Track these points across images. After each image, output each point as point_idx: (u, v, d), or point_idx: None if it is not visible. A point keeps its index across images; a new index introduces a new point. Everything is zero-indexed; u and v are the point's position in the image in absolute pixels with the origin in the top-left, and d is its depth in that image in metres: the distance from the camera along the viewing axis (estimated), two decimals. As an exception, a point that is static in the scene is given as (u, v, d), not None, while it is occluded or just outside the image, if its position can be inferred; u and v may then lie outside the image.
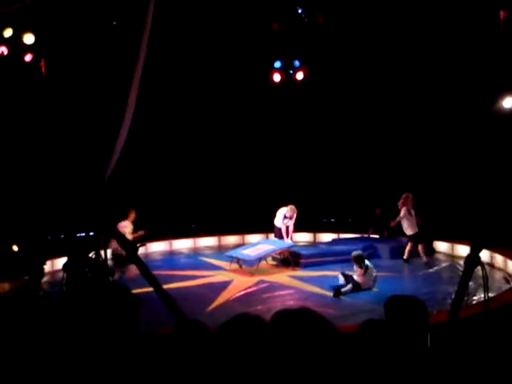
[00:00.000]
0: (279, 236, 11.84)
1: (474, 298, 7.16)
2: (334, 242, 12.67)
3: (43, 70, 10.96)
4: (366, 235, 12.70)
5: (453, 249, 11.47)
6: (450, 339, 3.06)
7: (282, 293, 8.59)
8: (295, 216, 11.73)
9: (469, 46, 10.92)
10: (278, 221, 11.86)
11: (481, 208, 10.04)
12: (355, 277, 8.51)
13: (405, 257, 10.77)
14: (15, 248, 9.54)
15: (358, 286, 8.38)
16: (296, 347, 1.74)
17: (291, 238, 12.02)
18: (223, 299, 8.23)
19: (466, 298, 4.56)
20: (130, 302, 2.05)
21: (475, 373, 2.77)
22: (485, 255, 9.50)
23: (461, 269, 9.41)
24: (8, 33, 10.05)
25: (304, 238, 13.34)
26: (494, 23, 10.01)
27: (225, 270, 10.58)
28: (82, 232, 8.26)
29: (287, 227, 11.91)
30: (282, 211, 11.77)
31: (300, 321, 1.80)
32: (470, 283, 4.83)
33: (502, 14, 9.90)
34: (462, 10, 10.55)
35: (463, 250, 10.52)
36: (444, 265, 10.80)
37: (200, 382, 1.91)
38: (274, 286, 9.02)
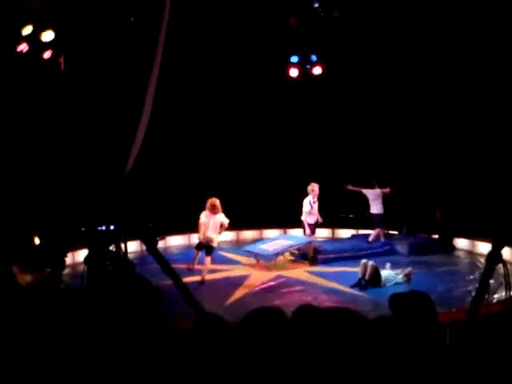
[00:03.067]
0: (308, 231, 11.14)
1: (495, 296, 7.07)
2: (353, 237, 12.61)
3: (62, 66, 11.08)
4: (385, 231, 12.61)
5: (473, 246, 11.32)
6: (470, 337, 3.03)
7: (299, 288, 8.60)
8: (317, 191, 10.99)
9: (485, 48, 10.77)
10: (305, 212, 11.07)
11: (502, 204, 9.89)
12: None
13: (370, 239, 11.45)
14: (37, 240, 9.69)
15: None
16: (315, 343, 1.74)
17: (318, 219, 11.19)
18: (241, 293, 8.27)
19: (486, 296, 4.49)
20: (152, 295, 2.07)
21: (494, 371, 2.75)
22: (507, 252, 9.38)
23: (481, 266, 9.31)
24: (27, 30, 10.17)
25: (323, 233, 13.29)
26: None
27: (242, 264, 10.62)
28: (103, 225, 8.35)
29: (310, 215, 11.05)
30: (306, 201, 11.10)
31: (320, 317, 1.81)
32: (491, 281, 4.77)
33: None
34: (474, 8, 10.39)
35: (484, 247, 10.38)
36: (464, 262, 10.69)
37: (219, 375, 1.93)
38: (291, 281, 9.03)
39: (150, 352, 1.95)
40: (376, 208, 11.31)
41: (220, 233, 9.65)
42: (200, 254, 9.60)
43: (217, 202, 9.55)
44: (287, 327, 1.88)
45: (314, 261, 10.47)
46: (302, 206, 11.26)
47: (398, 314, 2.32)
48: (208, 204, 9.53)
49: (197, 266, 9.59)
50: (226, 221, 9.59)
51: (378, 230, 11.40)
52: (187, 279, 8.33)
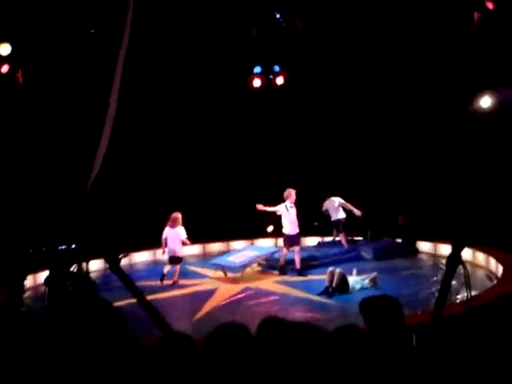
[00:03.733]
0: (290, 242, 10.37)
1: (458, 296, 7.24)
2: (320, 245, 12.70)
3: (20, 80, 10.83)
4: (350, 237, 12.76)
5: (436, 248, 11.59)
6: (435, 338, 3.09)
7: (267, 299, 8.58)
8: (294, 196, 10.40)
9: (444, 47, 11.11)
10: (286, 224, 10.43)
11: (461, 207, 10.19)
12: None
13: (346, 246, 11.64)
14: (-4, 262, 9.38)
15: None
16: (280, 355, 1.74)
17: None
18: (209, 308, 8.19)
19: (449, 298, 4.60)
20: (113, 318, 2.03)
21: (460, 371, 2.80)
22: (467, 254, 9.62)
23: (444, 268, 9.52)
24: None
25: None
26: (468, 24, 10.21)
27: (210, 277, 10.53)
28: (64, 244, 8.16)
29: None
30: (281, 206, 10.47)
31: (283, 330, 1.81)
32: (453, 282, 4.88)
33: (475, 15, 10.11)
34: (438, 12, 10.73)
35: (446, 250, 10.63)
36: (427, 264, 10.92)
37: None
38: (259, 293, 9.01)
39: (114, 371, 1.91)
40: (336, 215, 11.61)
41: (181, 245, 10.29)
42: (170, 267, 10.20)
43: (177, 215, 10.29)
44: (250, 342, 1.87)
45: (283, 271, 10.42)
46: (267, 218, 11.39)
47: (368, 318, 2.34)
48: (169, 218, 10.29)
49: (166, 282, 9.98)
50: (183, 235, 10.22)
51: (342, 235, 11.65)
52: (154, 296, 8.19)
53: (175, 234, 10.16)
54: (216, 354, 1.86)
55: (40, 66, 11.20)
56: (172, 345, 2.03)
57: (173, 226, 10.19)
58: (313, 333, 1.77)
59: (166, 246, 10.24)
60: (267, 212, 10.68)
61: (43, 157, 11.60)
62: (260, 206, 10.48)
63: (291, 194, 10.44)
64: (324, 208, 11.95)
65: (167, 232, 10.23)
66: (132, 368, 2.05)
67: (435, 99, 11.74)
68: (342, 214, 11.65)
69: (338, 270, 8.61)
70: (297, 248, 10.26)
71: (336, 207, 11.62)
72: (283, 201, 10.53)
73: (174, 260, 10.19)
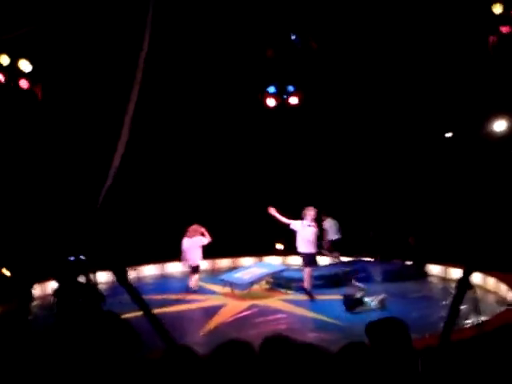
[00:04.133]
0: (308, 262, 9.95)
1: (467, 321, 7.14)
2: (329, 265, 12.63)
3: (39, 95, 11.03)
4: (360, 258, 12.69)
5: (446, 272, 11.47)
6: (442, 363, 3.05)
7: (274, 317, 8.54)
8: (313, 214, 10.02)
9: (459, 70, 11.13)
10: (300, 243, 10.02)
11: (472, 231, 10.10)
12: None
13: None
14: (6, 272, 9.47)
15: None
16: (283, 373, 1.74)
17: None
18: (215, 324, 8.17)
19: (458, 322, 4.55)
20: (123, 331, 2.04)
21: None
22: (477, 278, 9.51)
23: (453, 292, 9.41)
24: (5, 60, 10.14)
25: (297, 261, 13.29)
26: (483, 48, 10.24)
27: (217, 294, 10.51)
28: (73, 256, 8.21)
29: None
30: (297, 224, 10.04)
31: (286, 349, 1.81)
32: (463, 306, 4.83)
33: (490, 39, 10.13)
34: (454, 35, 10.77)
35: (456, 273, 10.52)
36: (437, 288, 10.80)
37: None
38: (266, 311, 8.97)
39: (118, 382, 1.92)
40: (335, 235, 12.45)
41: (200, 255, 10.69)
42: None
43: (195, 227, 10.74)
44: (254, 359, 1.87)
45: (310, 294, 9.79)
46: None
47: (375, 340, 2.33)
48: (188, 229, 10.74)
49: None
50: (205, 240, 10.68)
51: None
52: (161, 310, 8.18)
53: (194, 244, 10.56)
54: (219, 368, 1.86)
55: (59, 82, 11.42)
56: (175, 358, 2.03)
57: (191, 236, 10.58)
58: (316, 354, 1.77)
59: (185, 257, 10.64)
60: (277, 220, 10.21)
61: (57, 169, 11.76)
62: (272, 211, 10.06)
63: (309, 213, 9.97)
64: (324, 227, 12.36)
65: (185, 242, 10.60)
66: (137, 380, 2.06)
67: (449, 122, 11.74)
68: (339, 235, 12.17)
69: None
70: (308, 268, 9.84)
71: (335, 227, 12.11)
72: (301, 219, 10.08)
73: (195, 269, 10.63)
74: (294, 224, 10.01)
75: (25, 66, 10.28)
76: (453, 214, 11.58)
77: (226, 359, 1.91)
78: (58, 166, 11.77)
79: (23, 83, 10.39)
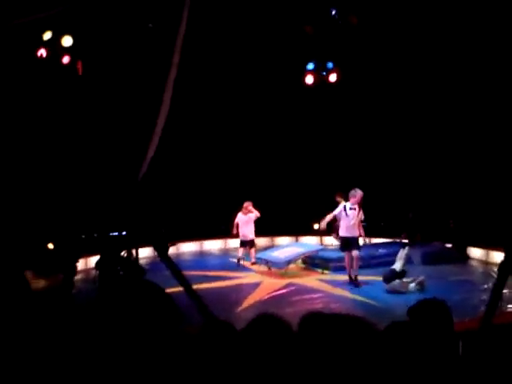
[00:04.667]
0: (353, 246, 9.36)
1: (509, 305, 6.98)
2: (366, 246, 12.52)
3: (80, 71, 11.22)
4: (398, 240, 12.50)
5: (487, 255, 11.19)
6: (483, 347, 2.99)
7: (310, 296, 8.57)
8: (358, 198, 9.41)
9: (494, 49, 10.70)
10: (343, 227, 9.48)
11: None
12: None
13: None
14: (51, 246, 9.79)
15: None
16: (323, 351, 1.73)
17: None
18: (252, 301, 8.26)
19: (499, 306, 4.44)
20: (164, 302, 2.08)
21: (508, 382, 2.70)
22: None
23: (495, 276, 9.19)
24: (47, 35, 10.33)
25: (335, 241, 13.24)
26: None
27: (254, 271, 10.61)
28: (115, 231, 8.43)
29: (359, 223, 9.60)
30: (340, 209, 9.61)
31: (329, 325, 1.80)
32: (505, 291, 4.71)
33: None
34: (492, 16, 10.33)
35: (498, 257, 10.25)
36: (478, 271, 10.57)
37: (226, 381, 1.93)
38: (302, 289, 9.00)
39: (157, 355, 1.96)
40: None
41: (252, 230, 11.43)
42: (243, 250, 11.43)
43: (246, 203, 11.52)
44: (290, 335, 1.88)
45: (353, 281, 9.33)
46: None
47: (417, 321, 2.30)
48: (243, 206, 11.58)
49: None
50: (254, 214, 11.44)
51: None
52: (198, 286, 8.32)
53: (247, 220, 11.39)
54: (254, 343, 1.88)
55: (99, 58, 11.57)
56: (214, 332, 2.06)
57: (245, 213, 11.43)
58: (359, 325, 1.75)
59: (237, 229, 11.52)
60: (330, 222, 9.89)
61: (99, 145, 11.99)
62: (322, 225, 9.78)
63: (355, 194, 9.38)
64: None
65: (239, 218, 11.50)
66: (177, 353, 2.10)
67: (489, 100, 11.32)
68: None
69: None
70: (355, 252, 9.28)
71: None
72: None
73: (246, 243, 11.36)
74: (336, 211, 9.59)
75: (67, 41, 10.47)
76: (495, 196, 11.24)
77: (261, 332, 1.92)
78: (99, 140, 12.00)
79: (66, 59, 10.60)
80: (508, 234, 8.21)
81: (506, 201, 10.66)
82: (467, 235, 11.54)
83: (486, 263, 10.97)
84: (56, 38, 10.43)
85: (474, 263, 11.27)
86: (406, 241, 12.16)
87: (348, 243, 9.39)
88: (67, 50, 10.65)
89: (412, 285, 8.56)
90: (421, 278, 8.66)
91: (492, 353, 3.03)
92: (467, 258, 11.48)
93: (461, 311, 6.83)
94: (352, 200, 9.40)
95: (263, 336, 1.93)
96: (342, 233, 9.52)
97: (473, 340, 3.03)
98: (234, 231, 11.64)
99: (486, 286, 8.60)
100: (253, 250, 11.35)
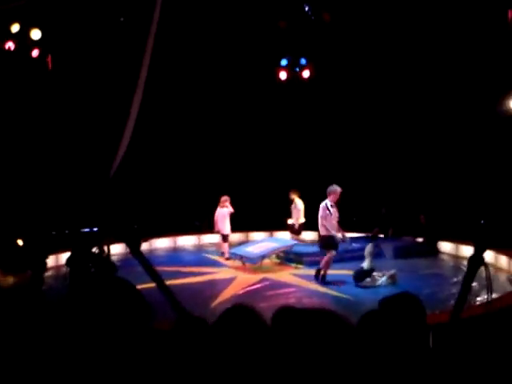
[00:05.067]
0: (330, 245, 9.10)
1: (478, 298, 7.13)
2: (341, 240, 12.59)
3: (50, 65, 10.99)
4: (365, 235, 12.64)
5: (457, 249, 11.42)
6: (452, 339, 3.05)
7: (284, 291, 8.60)
8: (338, 195, 9.14)
9: (476, 46, 10.87)
10: (328, 225, 9.05)
11: (485, 208, 10.00)
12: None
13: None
14: (20, 242, 9.57)
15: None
16: (296, 345, 1.74)
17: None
18: (226, 296, 8.25)
19: (469, 299, 4.54)
20: (135, 299, 2.05)
21: (476, 373, 2.76)
22: (489, 256, 9.46)
23: (465, 269, 9.37)
24: (15, 28, 10.08)
25: (308, 236, 13.33)
26: (502, 23, 9.97)
27: (228, 267, 10.59)
28: (87, 227, 8.30)
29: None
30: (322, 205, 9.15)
31: (301, 319, 1.80)
32: (474, 284, 4.81)
33: (510, 13, 9.86)
34: (471, 9, 10.49)
35: (468, 251, 10.47)
36: (448, 265, 10.78)
37: (200, 376, 1.92)
38: (276, 284, 9.03)
39: (130, 354, 1.94)
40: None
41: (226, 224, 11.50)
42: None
43: (223, 198, 11.62)
44: (262, 326, 1.88)
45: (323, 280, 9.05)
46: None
47: (388, 315, 2.32)
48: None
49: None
50: (228, 210, 11.51)
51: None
52: (172, 282, 8.27)
53: (221, 214, 11.53)
54: (226, 335, 1.87)
55: (69, 52, 11.34)
56: (187, 327, 2.05)
57: (221, 207, 11.57)
58: (332, 319, 1.76)
59: (215, 224, 11.58)
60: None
61: (69, 141, 11.77)
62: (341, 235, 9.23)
63: (335, 191, 9.08)
64: None
65: (217, 212, 11.60)
66: (148, 350, 2.07)
67: (463, 98, 11.52)
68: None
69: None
70: (334, 252, 9.06)
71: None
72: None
73: (224, 238, 11.54)
74: (323, 212, 9.05)
75: (35, 34, 10.23)
76: (465, 190, 11.47)
77: (234, 323, 1.92)
78: (71, 136, 11.78)
79: (35, 53, 10.36)
80: (477, 229, 8.40)
81: (475, 196, 10.90)
82: (438, 230, 11.76)
83: (455, 257, 11.20)
84: (24, 31, 10.19)
85: (444, 257, 11.50)
86: (382, 235, 12.37)
87: (330, 243, 9.09)
88: (36, 44, 10.41)
89: (383, 278, 8.68)
90: (392, 271, 8.79)
91: (461, 345, 3.09)
92: (438, 251, 11.72)
93: (431, 304, 6.95)
94: (332, 197, 9.09)
95: (236, 327, 1.92)
96: (324, 231, 9.08)
97: (443, 332, 3.08)
98: (215, 227, 11.71)
99: (455, 280, 8.78)
100: (226, 245, 11.39)
